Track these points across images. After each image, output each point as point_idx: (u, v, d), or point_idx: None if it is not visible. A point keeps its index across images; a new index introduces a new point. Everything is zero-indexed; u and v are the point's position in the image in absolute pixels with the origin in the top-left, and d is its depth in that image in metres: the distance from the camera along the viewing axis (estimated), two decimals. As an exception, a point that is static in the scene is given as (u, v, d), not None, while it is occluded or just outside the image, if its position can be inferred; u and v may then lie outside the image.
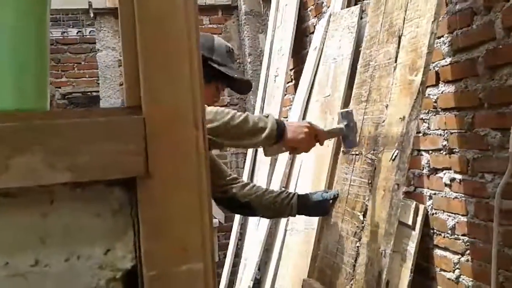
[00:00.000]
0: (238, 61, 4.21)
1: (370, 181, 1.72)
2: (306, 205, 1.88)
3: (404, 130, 1.57)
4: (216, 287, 0.50)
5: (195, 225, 0.47)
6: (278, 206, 1.88)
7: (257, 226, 2.90)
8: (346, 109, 1.80)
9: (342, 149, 2.02)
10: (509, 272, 1.78)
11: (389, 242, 1.54)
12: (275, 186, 2.79)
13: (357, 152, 1.87)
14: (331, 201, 1.95)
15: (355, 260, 1.72)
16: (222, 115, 1.53)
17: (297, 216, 1.95)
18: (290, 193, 1.92)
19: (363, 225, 1.71)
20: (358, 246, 1.72)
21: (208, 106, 1.68)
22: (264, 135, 1.54)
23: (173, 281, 0.47)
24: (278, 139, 1.57)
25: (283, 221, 2.67)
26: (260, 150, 3.45)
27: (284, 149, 1.67)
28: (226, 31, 4.50)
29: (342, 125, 1.73)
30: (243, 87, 1.96)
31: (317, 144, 1.68)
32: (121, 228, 0.49)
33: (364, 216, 1.73)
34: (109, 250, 0.49)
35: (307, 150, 1.67)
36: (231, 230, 3.80)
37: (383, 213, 1.59)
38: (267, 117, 1.59)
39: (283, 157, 2.80)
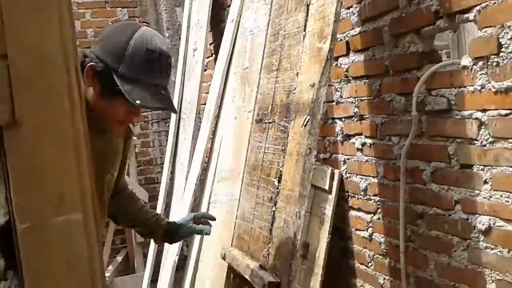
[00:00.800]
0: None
1: (283, 148, 1.76)
2: (173, 236, 1.78)
3: (314, 97, 1.62)
4: (101, 239, 0.49)
5: (71, 175, 0.46)
6: (148, 228, 1.79)
7: (182, 200, 2.89)
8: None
9: (249, 118, 2.06)
10: (415, 226, 1.91)
11: (303, 204, 1.60)
12: (198, 161, 2.79)
13: (270, 120, 1.90)
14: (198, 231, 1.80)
15: (271, 224, 1.77)
16: None
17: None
18: (164, 222, 1.80)
19: (278, 190, 1.76)
20: (274, 211, 1.77)
21: (121, 124, 1.50)
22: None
23: (49, 233, 0.46)
24: None
25: (206, 194, 2.68)
26: (182, 128, 3.42)
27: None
28: (142, 5, 4.35)
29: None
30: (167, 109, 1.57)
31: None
32: (-10, 183, 0.47)
33: (279, 181, 1.77)
34: (-21, 206, 0.46)
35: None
36: (155, 208, 3.76)
37: (296, 177, 1.65)
38: None
39: (204, 133, 2.79)
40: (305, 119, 1.63)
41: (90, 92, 1.40)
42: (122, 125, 1.54)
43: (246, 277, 1.78)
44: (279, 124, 1.83)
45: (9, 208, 0.46)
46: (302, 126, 1.64)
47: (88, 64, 1.39)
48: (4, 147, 0.44)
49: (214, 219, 1.83)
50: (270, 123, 1.92)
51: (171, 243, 1.87)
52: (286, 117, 1.79)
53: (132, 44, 1.39)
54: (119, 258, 4.33)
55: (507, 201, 1.50)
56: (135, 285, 3.92)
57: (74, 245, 0.47)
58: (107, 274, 3.95)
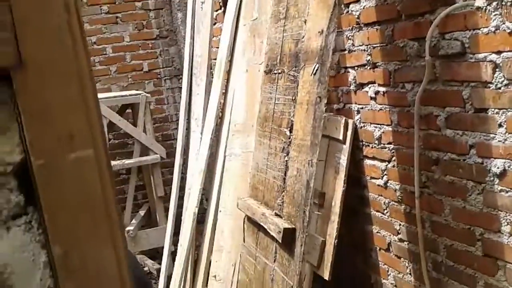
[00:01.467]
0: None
1: (293, 98, 1.76)
2: None
3: (323, 44, 1.60)
4: (111, 173, 0.51)
5: (79, 111, 0.48)
6: None
7: (197, 156, 2.93)
8: None
9: (260, 70, 2.05)
10: (430, 172, 1.92)
11: (314, 152, 1.62)
12: (212, 116, 2.80)
13: (279, 71, 1.89)
14: None
15: (285, 174, 1.79)
16: None
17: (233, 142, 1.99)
18: None
19: (289, 140, 1.77)
20: (286, 161, 1.79)
21: None
22: None
23: (63, 168, 0.48)
24: None
25: (221, 147, 2.71)
26: (195, 84, 3.41)
27: None
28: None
29: None
30: None
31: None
32: (4, 123, 0.49)
33: (290, 131, 1.78)
34: (-5, 145, 0.48)
35: None
36: (173, 165, 3.82)
37: (307, 126, 1.65)
38: None
39: (216, 88, 2.79)
40: (314, 67, 1.62)
41: None
42: None
43: (262, 224, 1.83)
44: (289, 74, 1.82)
45: (24, 146, 0.48)
46: (311, 75, 1.63)
47: None
48: (13, 88, 0.46)
49: None
50: (279, 73, 1.91)
51: None
52: (296, 67, 1.78)
53: None
54: (142, 213, 4.45)
55: (522, 143, 1.49)
56: (158, 237, 4.04)
57: (88, 180, 0.49)
58: (130, 228, 4.09)
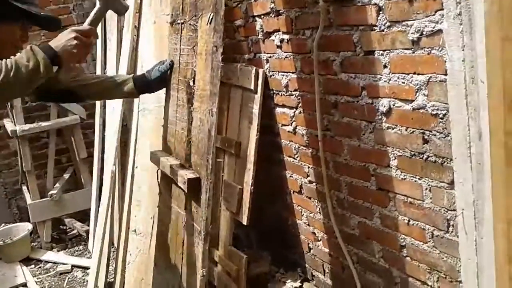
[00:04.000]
0: None
1: (194, 47, 1.77)
2: (145, 85, 1.93)
3: (216, -9, 1.60)
4: None
5: None
6: (114, 93, 1.93)
7: (112, 114, 2.89)
8: None
9: (168, 21, 2.03)
10: (331, 115, 2.02)
11: (214, 101, 1.65)
12: (123, 70, 2.75)
13: (182, 21, 1.88)
14: (168, 71, 2.01)
15: (190, 124, 1.82)
16: None
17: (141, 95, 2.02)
18: (126, 79, 1.94)
19: (193, 91, 1.79)
20: (191, 111, 1.81)
21: (17, 47, 1.68)
22: (42, 72, 1.50)
23: None
24: (57, 66, 1.56)
25: (135, 103, 2.68)
26: (108, 40, 3.31)
27: (72, 66, 1.66)
28: None
29: (98, 5, 1.75)
30: (52, 24, 1.82)
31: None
32: None
33: (194, 82, 1.80)
34: None
35: (87, 54, 1.72)
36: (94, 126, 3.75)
37: (206, 76, 1.68)
38: (31, 49, 1.53)
39: (126, 42, 2.73)
40: (209, 16, 1.62)
41: None
42: (18, 49, 1.69)
43: (171, 176, 1.86)
44: (189, 24, 1.82)
45: None
46: (207, 24, 1.63)
47: None
48: None
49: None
50: (182, 23, 1.90)
51: (141, 93, 1.99)
52: (195, 16, 1.77)
53: None
54: (66, 176, 4.36)
55: (403, 83, 1.60)
56: (85, 200, 4.01)
57: None
58: (54, 191, 4.00)
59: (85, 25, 1.70)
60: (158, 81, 1.97)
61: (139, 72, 2.67)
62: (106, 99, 2.46)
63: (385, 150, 1.77)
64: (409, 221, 1.78)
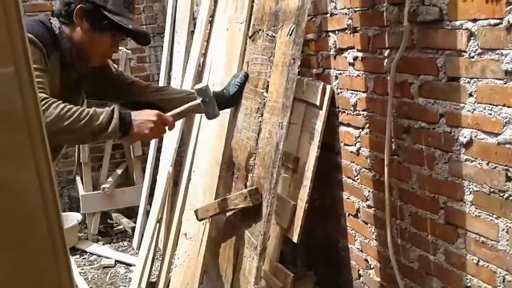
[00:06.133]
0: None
1: (271, 57, 1.74)
2: (226, 101, 1.97)
3: (300, 3, 1.57)
4: (35, 92, 0.50)
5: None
6: (196, 110, 1.93)
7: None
8: (200, 86, 1.81)
9: (240, 29, 2.02)
10: (401, 140, 1.94)
11: (285, 114, 1.61)
12: (190, 75, 2.76)
13: (259, 30, 1.86)
14: (244, 84, 2.02)
15: (258, 134, 1.79)
16: (64, 118, 1.51)
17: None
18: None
19: (264, 101, 1.76)
20: (260, 122, 1.78)
21: (106, 57, 1.86)
22: (107, 135, 1.59)
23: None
24: (124, 134, 1.63)
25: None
26: (176, 42, 3.36)
27: (134, 140, 1.72)
28: None
29: (198, 101, 1.76)
30: (142, 39, 1.91)
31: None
32: None
33: (266, 92, 1.77)
34: None
35: (155, 138, 1.84)
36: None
37: (281, 88, 1.64)
38: (112, 111, 1.60)
39: (196, 46, 2.74)
40: (291, 27, 1.59)
41: (78, 32, 1.73)
42: (107, 58, 1.89)
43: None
44: (267, 34, 1.79)
45: None
46: (287, 35, 1.60)
47: (78, 6, 1.69)
48: None
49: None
50: (259, 32, 1.88)
51: (222, 109, 1.99)
52: (274, 26, 1.75)
53: None
54: (119, 171, 4.44)
55: (490, 114, 1.51)
56: (134, 196, 4.06)
57: (7, 98, 0.48)
58: (106, 185, 4.09)
59: (169, 115, 1.74)
60: (237, 95, 1.99)
61: (205, 77, 2.67)
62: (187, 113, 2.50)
63: (460, 184, 1.67)
64: (478, 261, 1.66)
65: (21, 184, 0.48)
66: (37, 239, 0.49)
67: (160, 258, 3.24)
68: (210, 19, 2.64)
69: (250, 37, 2.09)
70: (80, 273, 3.59)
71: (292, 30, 1.59)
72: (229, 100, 1.98)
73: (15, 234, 0.49)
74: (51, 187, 0.50)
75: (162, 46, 4.18)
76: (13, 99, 0.47)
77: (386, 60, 1.94)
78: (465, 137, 1.61)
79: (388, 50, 1.92)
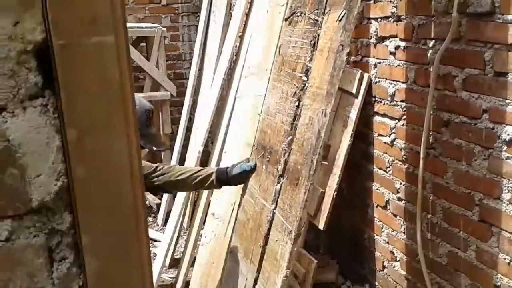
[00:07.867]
0: None
1: (312, 42, 1.73)
2: (225, 180, 2.05)
3: (351, -12, 1.55)
4: (130, 63, 0.51)
5: (103, -2, 0.47)
6: (198, 186, 2.09)
7: (208, 96, 2.92)
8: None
9: (280, 12, 2.01)
10: (439, 133, 1.91)
11: (330, 102, 1.60)
12: (226, 56, 2.76)
13: (300, 13, 1.84)
14: (249, 173, 2.07)
15: (293, 119, 1.78)
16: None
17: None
18: (209, 173, 2.04)
19: (303, 85, 1.75)
20: (297, 106, 1.77)
21: None
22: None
23: (83, 51, 0.48)
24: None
25: (232, 89, 2.69)
26: (212, 22, 3.35)
27: None
28: None
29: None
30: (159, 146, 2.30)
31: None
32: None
33: (306, 76, 1.76)
34: (18, 22, 0.48)
35: None
36: (182, 105, 3.82)
37: (325, 75, 1.63)
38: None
39: (234, 27, 2.73)
40: (341, 13, 1.57)
41: None
42: None
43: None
44: (309, 17, 1.78)
45: (46, 26, 0.48)
46: (336, 21, 1.58)
47: None
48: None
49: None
50: (299, 15, 1.86)
51: (222, 186, 2.15)
52: (318, 9, 1.73)
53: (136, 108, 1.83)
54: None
55: (538, 112, 1.47)
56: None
57: (107, 66, 0.49)
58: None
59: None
60: (237, 178, 2.05)
61: (241, 59, 2.67)
62: (191, 190, 2.84)
63: (499, 181, 1.64)
64: (511, 261, 1.64)
65: (113, 152, 0.50)
66: (124, 206, 0.51)
67: (184, 236, 3.29)
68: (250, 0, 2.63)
69: (286, 20, 2.06)
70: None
71: (343, 16, 1.58)
72: (229, 180, 2.04)
73: (106, 200, 0.51)
74: (138, 158, 0.51)
75: (196, 26, 4.19)
76: (111, 67, 0.48)
77: (430, 51, 1.90)
78: (508, 135, 1.58)
79: (433, 41, 1.88)
